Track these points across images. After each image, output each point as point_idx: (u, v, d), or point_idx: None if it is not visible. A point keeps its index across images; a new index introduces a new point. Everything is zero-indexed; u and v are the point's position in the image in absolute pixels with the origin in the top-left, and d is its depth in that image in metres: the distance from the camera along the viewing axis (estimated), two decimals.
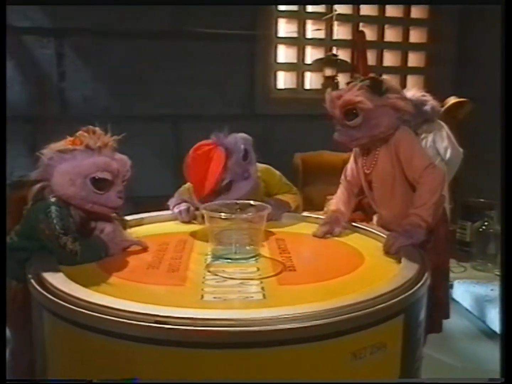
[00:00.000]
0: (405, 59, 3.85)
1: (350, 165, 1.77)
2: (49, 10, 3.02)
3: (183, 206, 1.77)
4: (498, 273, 2.90)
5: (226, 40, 3.40)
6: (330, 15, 2.98)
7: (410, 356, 1.17)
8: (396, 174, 1.60)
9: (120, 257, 1.39)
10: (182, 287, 1.19)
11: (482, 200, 3.26)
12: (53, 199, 1.35)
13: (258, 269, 1.31)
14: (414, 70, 3.85)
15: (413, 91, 2.43)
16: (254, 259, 1.38)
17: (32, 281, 1.17)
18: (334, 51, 3.55)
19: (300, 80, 3.67)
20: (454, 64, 3.80)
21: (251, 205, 1.46)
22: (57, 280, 1.14)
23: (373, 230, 1.62)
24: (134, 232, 1.59)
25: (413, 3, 3.43)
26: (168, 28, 3.31)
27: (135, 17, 3.19)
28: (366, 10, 3.70)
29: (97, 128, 1.42)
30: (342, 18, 3.61)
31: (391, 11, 3.77)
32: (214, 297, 1.12)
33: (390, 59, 3.83)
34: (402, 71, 3.83)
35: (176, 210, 1.77)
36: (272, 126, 3.57)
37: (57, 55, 3.12)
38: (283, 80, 3.67)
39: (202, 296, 1.13)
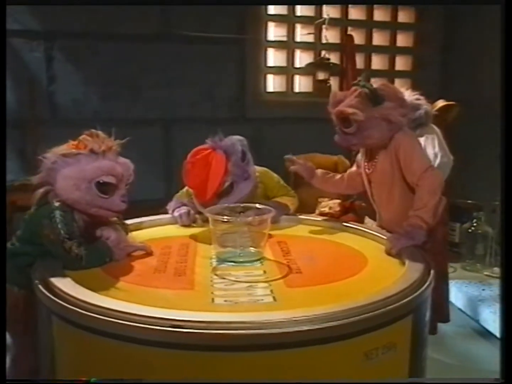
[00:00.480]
0: (392, 62, 3.89)
1: (358, 162, 1.80)
2: (38, 12, 2.99)
3: (183, 210, 1.77)
4: (487, 273, 2.95)
5: (216, 44, 3.41)
6: (322, 19, 3.00)
7: (417, 356, 1.19)
8: (395, 176, 1.62)
9: (125, 262, 1.38)
10: (191, 291, 1.20)
11: (470, 201, 3.31)
12: (57, 204, 1.34)
13: (265, 272, 1.31)
14: (401, 74, 3.90)
15: (407, 93, 2.44)
16: (259, 262, 1.39)
17: (40, 286, 1.16)
18: (323, 54, 3.57)
19: (290, 83, 3.69)
20: (440, 68, 3.86)
21: (255, 208, 1.46)
22: (66, 285, 1.14)
23: (373, 232, 1.64)
24: (135, 236, 1.59)
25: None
26: (158, 31, 3.31)
27: (125, 20, 3.19)
28: (354, 14, 3.74)
29: (100, 132, 1.41)
30: (330, 22, 3.64)
31: (379, 15, 3.81)
32: (225, 300, 1.13)
33: (378, 62, 3.87)
34: (390, 74, 3.88)
35: (176, 213, 1.77)
36: (262, 129, 3.59)
37: (46, 58, 3.10)
38: (273, 83, 3.69)
39: (213, 300, 1.13)
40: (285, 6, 3.58)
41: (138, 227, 1.73)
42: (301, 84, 3.74)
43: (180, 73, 3.39)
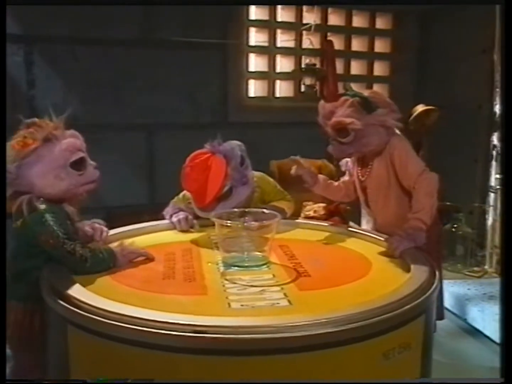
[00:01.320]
0: (370, 68, 3.96)
1: (350, 170, 1.83)
2: (19, 16, 2.93)
3: (181, 215, 1.76)
4: (468, 273, 3.02)
5: (198, 49, 3.40)
6: (308, 25, 3.04)
7: (427, 354, 1.22)
8: (391, 180, 1.66)
9: (130, 269, 1.37)
10: (205, 296, 1.20)
11: (448, 203, 3.39)
12: (43, 206, 1.31)
13: (274, 276, 1.32)
14: (379, 79, 3.97)
15: None
16: (265, 266, 1.40)
17: (53, 296, 1.14)
18: (309, 60, 3.61)
19: (271, 88, 3.71)
20: (416, 73, 3.94)
21: (261, 213, 1.47)
22: (82, 294, 1.12)
23: (371, 234, 1.66)
24: (136, 242, 1.57)
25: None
26: (140, 36, 3.28)
27: (107, 24, 3.15)
28: (333, 20, 3.78)
29: (35, 119, 1.38)
30: (310, 27, 3.69)
31: (357, 21, 3.87)
32: (242, 305, 1.13)
33: (356, 67, 3.93)
34: (368, 79, 3.94)
35: (174, 219, 1.76)
36: (245, 133, 3.58)
37: (26, 63, 3.03)
38: (254, 88, 3.70)
39: (229, 305, 1.13)
40: (267, 12, 3.60)
41: (138, 233, 1.71)
42: (282, 89, 3.77)
43: (163, 78, 3.37)
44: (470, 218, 3.30)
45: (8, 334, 1.35)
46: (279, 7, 3.63)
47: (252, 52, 3.63)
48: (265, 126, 3.58)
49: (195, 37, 3.36)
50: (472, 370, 2.04)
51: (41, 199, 1.33)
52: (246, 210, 1.51)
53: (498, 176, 3.16)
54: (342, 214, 2.88)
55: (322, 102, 1.72)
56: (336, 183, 1.85)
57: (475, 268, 3.08)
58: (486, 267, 3.18)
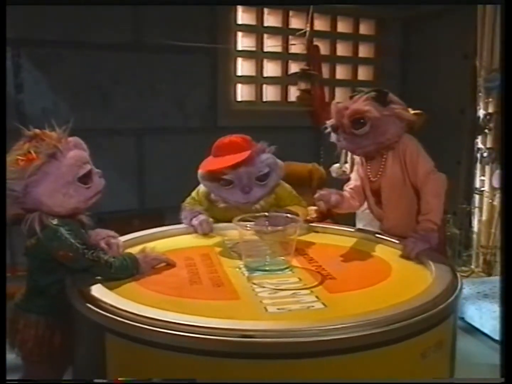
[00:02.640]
0: (355, 72, 4.03)
1: (354, 175, 1.84)
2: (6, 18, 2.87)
3: (202, 217, 1.75)
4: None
5: (187, 53, 3.40)
6: (303, 31, 3.08)
7: (454, 353, 1.25)
8: (406, 179, 1.68)
9: (154, 275, 1.36)
10: (239, 301, 1.20)
11: None
12: (55, 222, 1.26)
13: (300, 279, 1.34)
14: (364, 83, 4.03)
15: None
16: (288, 270, 1.41)
17: (89, 305, 1.12)
18: (291, 64, 3.65)
19: (259, 92, 3.74)
20: (400, 77, 4.03)
21: (284, 217, 1.48)
22: (119, 301, 1.11)
23: (383, 236, 1.69)
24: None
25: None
26: (129, 40, 3.26)
27: (95, 28, 3.12)
28: (319, 25, 3.83)
29: (37, 131, 1.30)
30: (295, 32, 3.73)
31: (342, 26, 3.93)
32: (278, 309, 1.14)
33: (341, 72, 3.99)
34: (353, 83, 4.00)
35: (195, 222, 1.75)
36: None
37: (14, 66, 2.97)
38: (242, 92, 3.72)
39: (266, 309, 1.14)
40: (254, 16, 3.62)
41: (150, 238, 1.69)
42: (269, 93, 3.79)
43: (151, 82, 3.35)
44: (454, 219, 3.39)
45: (27, 347, 1.33)
46: (265, 12, 3.67)
47: (240, 56, 3.64)
48: (254, 130, 3.58)
49: (184, 42, 3.36)
50: (470, 367, 2.09)
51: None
52: (267, 214, 1.52)
53: (482, 178, 3.26)
54: (334, 217, 2.91)
55: (334, 101, 1.74)
56: (347, 194, 1.80)
57: (463, 268, 3.16)
58: (472, 266, 3.27)
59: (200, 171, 1.73)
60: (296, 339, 0.98)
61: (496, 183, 3.14)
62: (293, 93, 3.78)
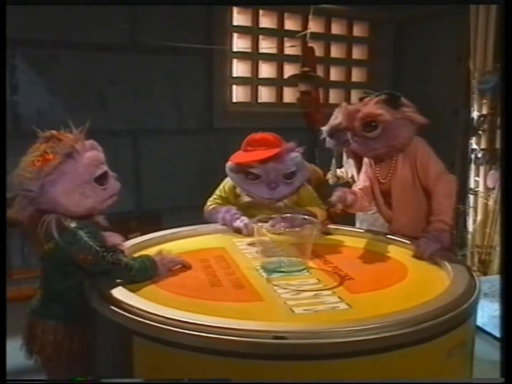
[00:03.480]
0: (349, 74, 4.05)
1: (362, 176, 1.85)
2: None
3: (245, 219, 1.74)
4: None
5: (183, 54, 3.39)
6: (304, 32, 3.09)
7: (473, 352, 1.27)
8: (415, 181, 1.70)
9: (172, 277, 1.36)
10: (263, 303, 1.20)
11: None
12: (74, 225, 1.24)
13: (319, 280, 1.34)
14: (357, 85, 4.06)
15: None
16: (305, 271, 1.42)
17: (114, 308, 1.12)
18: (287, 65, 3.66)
19: (254, 94, 3.74)
20: (392, 79, 4.07)
21: (301, 218, 1.49)
22: (146, 305, 1.10)
23: (393, 237, 1.71)
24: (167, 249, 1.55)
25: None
26: (125, 41, 3.24)
27: (91, 29, 3.09)
28: (313, 27, 3.84)
29: (53, 132, 1.29)
30: (290, 34, 3.75)
31: (335, 29, 3.96)
32: (304, 310, 1.14)
33: (335, 74, 4.01)
34: (347, 85, 4.04)
35: (240, 224, 1.74)
36: (229, 139, 3.59)
37: (8, 67, 2.93)
38: (237, 94, 3.71)
39: (292, 310, 1.14)
40: (250, 18, 3.63)
41: (161, 240, 1.69)
42: (264, 94, 3.80)
43: (147, 84, 3.33)
44: None
45: (46, 354, 1.31)
46: (260, 13, 3.67)
47: (235, 58, 3.64)
48: (249, 131, 3.59)
49: (180, 43, 3.34)
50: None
51: (68, 218, 1.25)
52: (283, 215, 1.53)
53: (477, 178, 3.30)
54: (333, 218, 2.92)
55: (344, 103, 1.75)
56: (358, 194, 1.79)
57: None
58: None
59: (229, 163, 1.77)
60: (328, 340, 0.99)
61: (490, 183, 3.18)
62: (287, 95, 3.82)
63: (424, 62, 3.85)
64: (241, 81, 3.69)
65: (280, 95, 3.82)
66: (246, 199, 1.76)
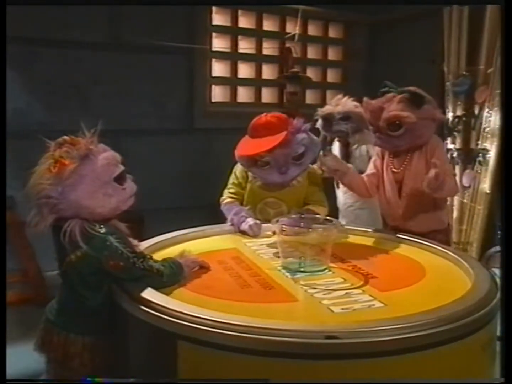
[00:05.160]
0: (324, 75, 4.10)
1: (370, 165, 1.88)
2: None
3: (251, 222, 1.74)
4: None
5: (164, 54, 3.35)
6: (292, 34, 3.10)
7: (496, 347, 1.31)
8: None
9: (196, 279, 1.35)
10: (299, 303, 1.21)
11: None
12: (103, 230, 1.21)
13: (345, 279, 1.36)
14: (332, 85, 4.12)
15: (345, 99, 2.50)
16: (327, 270, 1.43)
17: (157, 313, 1.09)
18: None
19: (233, 94, 3.73)
20: (367, 80, 4.14)
21: (323, 219, 1.50)
22: (191, 310, 1.08)
23: (403, 236, 1.73)
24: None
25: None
26: (106, 40, 3.17)
27: (72, 26, 3.01)
28: (290, 28, 3.87)
29: (66, 137, 1.26)
30: (269, 34, 3.77)
31: (312, 30, 4.00)
32: (342, 309, 1.16)
33: (310, 74, 4.05)
34: (322, 86, 4.09)
35: (245, 226, 1.73)
36: (210, 139, 3.58)
37: None
38: (215, 94, 3.70)
39: (330, 309, 1.15)
40: (229, 18, 3.62)
41: (172, 242, 1.66)
42: (242, 94, 3.80)
43: (128, 83, 3.27)
44: None
45: (73, 365, 1.26)
46: (239, 13, 3.67)
47: (215, 57, 3.63)
48: (230, 131, 3.57)
49: (161, 42, 3.30)
50: None
51: (96, 223, 1.21)
52: (303, 216, 1.54)
53: None
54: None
55: (366, 99, 1.77)
56: (360, 175, 1.86)
57: None
58: None
59: (237, 154, 1.75)
60: (377, 339, 1.00)
61: (466, 182, 3.30)
62: (265, 95, 3.84)
63: (398, 64, 3.93)
64: (220, 81, 3.68)
65: (259, 95, 3.83)
66: (258, 182, 1.80)
